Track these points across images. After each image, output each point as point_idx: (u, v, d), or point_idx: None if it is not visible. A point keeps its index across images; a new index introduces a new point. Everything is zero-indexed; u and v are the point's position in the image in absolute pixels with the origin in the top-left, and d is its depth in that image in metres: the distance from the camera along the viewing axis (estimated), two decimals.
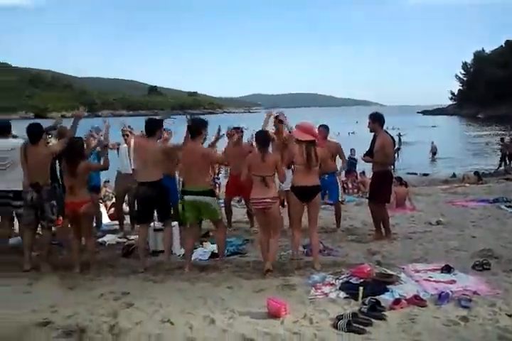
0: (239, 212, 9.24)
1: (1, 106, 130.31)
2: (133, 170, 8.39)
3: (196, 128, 5.93)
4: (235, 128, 8.12)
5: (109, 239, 7.68)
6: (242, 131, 8.20)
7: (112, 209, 10.21)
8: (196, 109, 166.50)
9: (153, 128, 6.13)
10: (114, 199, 10.22)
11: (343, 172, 16.23)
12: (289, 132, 6.83)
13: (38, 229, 6.43)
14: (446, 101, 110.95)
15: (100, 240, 7.56)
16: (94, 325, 4.19)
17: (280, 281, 5.29)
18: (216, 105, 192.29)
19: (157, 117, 6.58)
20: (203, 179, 5.91)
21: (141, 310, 4.54)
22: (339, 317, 4.15)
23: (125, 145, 8.33)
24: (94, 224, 8.22)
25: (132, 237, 7.48)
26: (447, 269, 5.35)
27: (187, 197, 5.95)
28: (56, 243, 6.88)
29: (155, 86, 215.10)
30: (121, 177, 8.54)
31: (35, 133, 6.15)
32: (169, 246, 6.25)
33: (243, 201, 9.23)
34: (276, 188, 5.95)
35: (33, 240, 6.34)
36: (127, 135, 8.24)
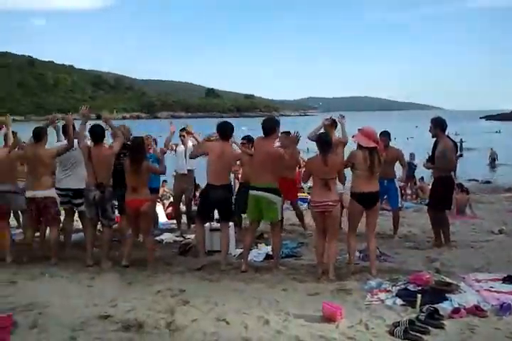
0: (293, 215, 9.23)
1: (65, 107, 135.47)
2: (189, 170, 8.57)
3: (270, 127, 6.02)
4: (284, 132, 8.06)
5: (166, 237, 7.85)
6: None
7: (170, 208, 10.44)
8: (252, 111, 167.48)
9: (228, 132, 6.27)
10: (171, 199, 10.45)
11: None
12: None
13: (98, 226, 6.67)
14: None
15: (158, 238, 7.73)
16: (151, 321, 4.31)
17: (335, 286, 5.26)
18: (272, 108, 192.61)
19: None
20: (270, 176, 5.95)
21: (197, 308, 4.62)
22: (396, 324, 4.08)
23: (182, 146, 8.50)
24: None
25: (189, 236, 7.61)
26: (509, 280, 5.16)
27: (252, 192, 6.00)
28: (116, 240, 7.09)
29: (212, 88, 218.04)
30: (178, 177, 8.71)
31: (98, 134, 6.36)
32: (226, 246, 6.30)
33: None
34: (337, 191, 5.92)
35: (94, 236, 6.58)
36: (184, 136, 8.39)
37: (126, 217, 6.52)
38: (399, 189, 8.36)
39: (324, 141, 5.79)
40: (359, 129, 6.07)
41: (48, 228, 6.70)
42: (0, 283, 5.56)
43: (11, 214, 7.42)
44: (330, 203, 5.68)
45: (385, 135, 7.77)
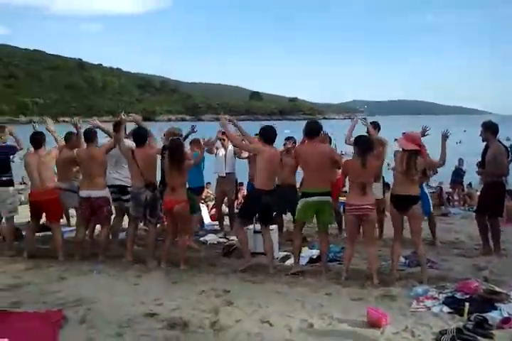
0: None
1: (113, 109, 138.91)
2: (228, 173, 8.60)
3: (316, 129, 6.02)
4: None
5: (210, 238, 7.93)
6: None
7: (213, 210, 10.55)
8: (296, 114, 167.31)
9: (272, 136, 6.22)
10: (214, 201, 10.56)
11: (447, 183, 15.62)
12: None
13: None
14: None
15: (202, 239, 7.84)
16: (196, 320, 4.37)
17: (380, 291, 5.19)
18: (316, 111, 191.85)
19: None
20: (326, 179, 5.96)
21: (241, 309, 4.66)
22: (442, 332, 4.00)
23: (222, 149, 8.57)
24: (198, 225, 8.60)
25: (232, 238, 7.67)
26: None
27: (312, 199, 5.90)
28: (161, 239, 7.20)
29: (257, 91, 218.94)
30: (219, 180, 8.81)
31: (140, 136, 6.50)
32: (271, 249, 6.30)
33: None
34: (373, 195, 5.85)
35: (135, 235, 6.74)
36: (224, 139, 8.45)
37: (167, 217, 6.60)
38: (428, 194, 8.12)
39: (362, 143, 5.72)
40: (403, 133, 6.00)
41: (100, 226, 6.87)
42: (51, 279, 5.75)
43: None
44: (367, 207, 5.61)
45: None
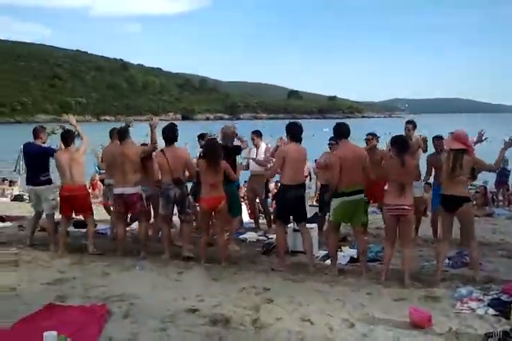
0: (379, 218, 9.07)
1: (153, 108, 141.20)
2: (258, 172, 8.61)
3: (347, 130, 6.01)
4: (370, 134, 7.99)
5: (249, 236, 7.97)
6: (378, 137, 8.03)
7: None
8: (335, 113, 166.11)
9: (298, 133, 6.25)
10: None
11: (492, 184, 15.20)
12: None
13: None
14: None
15: (241, 237, 7.87)
16: (237, 317, 4.41)
17: (422, 292, 5.11)
18: (355, 109, 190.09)
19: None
20: (361, 179, 5.94)
21: (281, 307, 4.66)
22: (488, 335, 3.91)
23: (254, 148, 8.60)
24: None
25: (271, 236, 7.68)
26: None
27: (350, 198, 5.88)
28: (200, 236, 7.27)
29: (296, 90, 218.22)
30: (250, 178, 8.86)
31: (169, 137, 6.62)
32: (310, 248, 6.29)
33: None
34: (412, 195, 5.76)
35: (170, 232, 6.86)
36: (254, 139, 8.50)
37: (201, 215, 6.64)
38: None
39: (400, 143, 5.66)
40: (451, 133, 5.88)
41: (139, 222, 7.00)
42: (94, 274, 5.88)
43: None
44: (406, 207, 5.54)
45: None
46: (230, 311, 4.53)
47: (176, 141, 6.71)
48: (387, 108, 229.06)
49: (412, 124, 7.84)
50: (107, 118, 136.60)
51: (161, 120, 7.37)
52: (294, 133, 6.23)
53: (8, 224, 10.07)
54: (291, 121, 6.63)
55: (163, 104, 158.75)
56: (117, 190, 6.79)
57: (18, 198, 15.39)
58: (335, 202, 5.92)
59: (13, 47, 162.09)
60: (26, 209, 13.05)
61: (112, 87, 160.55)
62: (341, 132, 6.01)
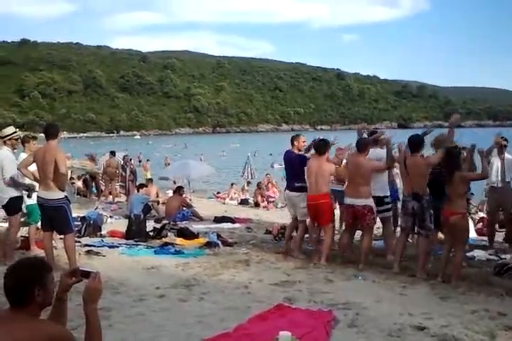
0: None
1: (368, 117, 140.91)
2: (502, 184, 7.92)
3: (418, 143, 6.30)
4: None
5: (478, 254, 7.41)
6: None
7: (480, 224, 9.86)
8: None
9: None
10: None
11: None
12: None
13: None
14: None
15: (469, 255, 7.35)
16: (469, 340, 4.12)
17: None
18: None
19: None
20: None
21: None
22: None
23: (498, 158, 7.98)
24: None
25: (504, 256, 7.05)
26: None
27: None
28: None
29: None
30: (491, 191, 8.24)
31: (414, 144, 6.36)
32: None
33: None
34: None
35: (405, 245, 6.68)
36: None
37: (442, 230, 6.40)
38: None
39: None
40: None
41: (364, 234, 6.97)
42: (318, 280, 6.07)
43: None
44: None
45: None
46: (461, 333, 4.26)
47: (422, 149, 6.51)
48: None
49: None
50: (323, 127, 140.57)
51: (376, 129, 7.39)
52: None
53: (236, 225, 11.06)
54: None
55: (379, 113, 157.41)
56: (348, 200, 6.91)
57: (243, 202, 16.82)
58: None
59: (239, 63, 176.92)
60: (252, 212, 14.22)
61: (329, 96, 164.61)
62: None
